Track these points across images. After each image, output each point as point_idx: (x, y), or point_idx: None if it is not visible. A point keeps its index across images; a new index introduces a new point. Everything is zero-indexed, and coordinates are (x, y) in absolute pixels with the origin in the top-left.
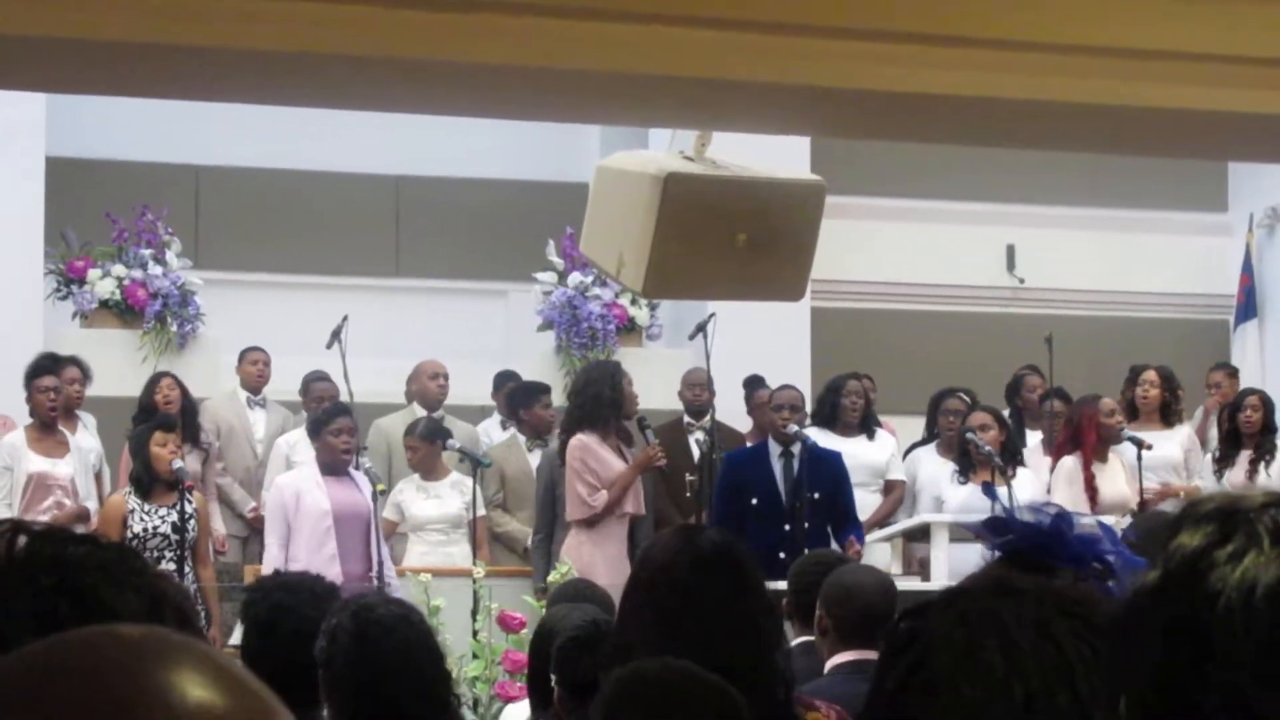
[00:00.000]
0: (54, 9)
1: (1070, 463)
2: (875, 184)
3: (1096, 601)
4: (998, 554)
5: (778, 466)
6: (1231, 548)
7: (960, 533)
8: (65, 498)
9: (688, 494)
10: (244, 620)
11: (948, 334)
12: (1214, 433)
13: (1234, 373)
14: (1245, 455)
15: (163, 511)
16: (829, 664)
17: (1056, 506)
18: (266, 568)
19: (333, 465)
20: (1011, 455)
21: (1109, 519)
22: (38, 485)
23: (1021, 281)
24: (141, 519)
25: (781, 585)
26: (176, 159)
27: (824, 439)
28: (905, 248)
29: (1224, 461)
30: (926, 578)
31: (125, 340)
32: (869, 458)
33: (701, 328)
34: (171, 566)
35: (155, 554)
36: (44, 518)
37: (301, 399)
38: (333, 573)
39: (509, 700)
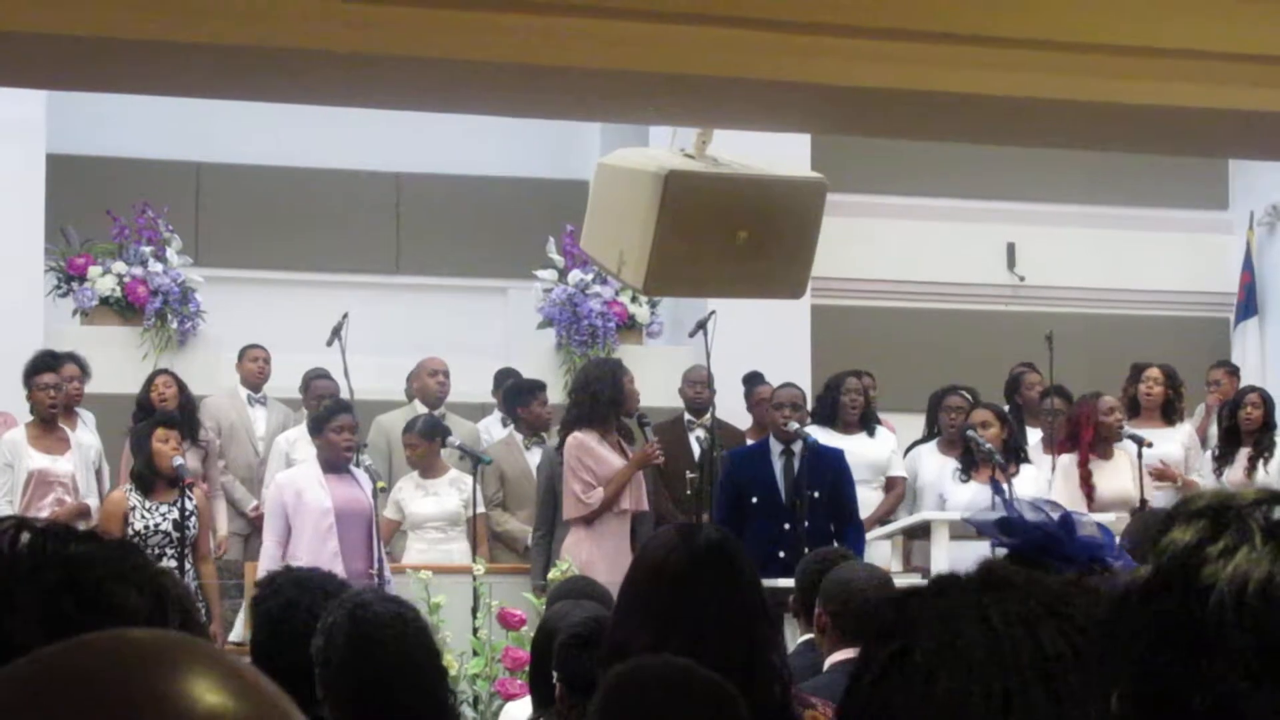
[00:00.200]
0: (55, 6)
1: (1067, 460)
2: (876, 181)
3: (1094, 596)
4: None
5: (779, 465)
6: (1223, 544)
7: (960, 530)
8: (66, 494)
9: (688, 491)
10: (255, 616)
11: (948, 331)
12: (1214, 430)
13: (1234, 370)
14: (1245, 453)
15: (164, 508)
16: (828, 662)
17: (1057, 505)
18: (263, 565)
19: (334, 463)
20: (1015, 452)
21: (1108, 517)
22: (39, 482)
23: (1022, 279)
24: (142, 516)
25: (780, 583)
26: (177, 156)
27: (825, 436)
28: (906, 245)
29: (1223, 459)
30: (926, 576)
31: (125, 337)
32: (870, 455)
33: (702, 325)
34: (172, 563)
35: (156, 551)
36: (45, 514)
37: (302, 396)
38: (335, 570)
39: (509, 698)
